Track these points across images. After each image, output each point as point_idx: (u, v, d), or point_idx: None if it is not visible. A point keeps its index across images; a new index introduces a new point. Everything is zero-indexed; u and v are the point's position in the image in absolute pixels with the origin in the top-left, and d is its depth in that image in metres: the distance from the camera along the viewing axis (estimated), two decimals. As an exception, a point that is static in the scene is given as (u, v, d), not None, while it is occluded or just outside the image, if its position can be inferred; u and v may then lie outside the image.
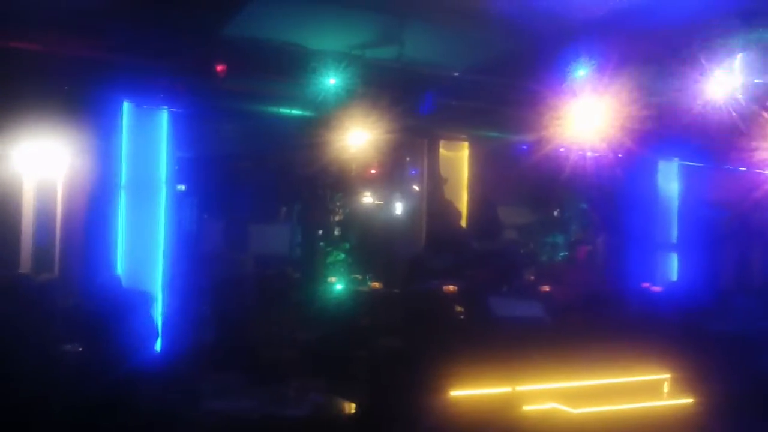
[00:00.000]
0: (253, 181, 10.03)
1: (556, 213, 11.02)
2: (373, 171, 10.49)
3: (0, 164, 7.95)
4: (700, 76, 7.90)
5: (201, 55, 7.45)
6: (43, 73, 7.08)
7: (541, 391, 7.17)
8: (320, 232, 9.33)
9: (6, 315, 6.30)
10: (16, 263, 8.16)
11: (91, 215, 7.81)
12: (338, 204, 9.24)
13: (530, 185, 10.57)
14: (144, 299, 7.10)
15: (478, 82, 8.94)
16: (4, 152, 7.90)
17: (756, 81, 7.63)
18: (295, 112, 8.49)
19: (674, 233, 10.95)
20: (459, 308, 8.20)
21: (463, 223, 10.68)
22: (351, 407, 6.63)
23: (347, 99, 8.11)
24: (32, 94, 7.05)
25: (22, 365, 5.81)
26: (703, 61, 7.78)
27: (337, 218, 9.26)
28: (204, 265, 8.98)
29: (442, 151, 10.68)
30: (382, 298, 9.09)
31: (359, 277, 9.53)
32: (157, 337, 7.21)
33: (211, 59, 7.42)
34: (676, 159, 10.89)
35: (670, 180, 10.94)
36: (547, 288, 9.36)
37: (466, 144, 10.71)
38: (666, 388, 7.84)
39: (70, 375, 6.15)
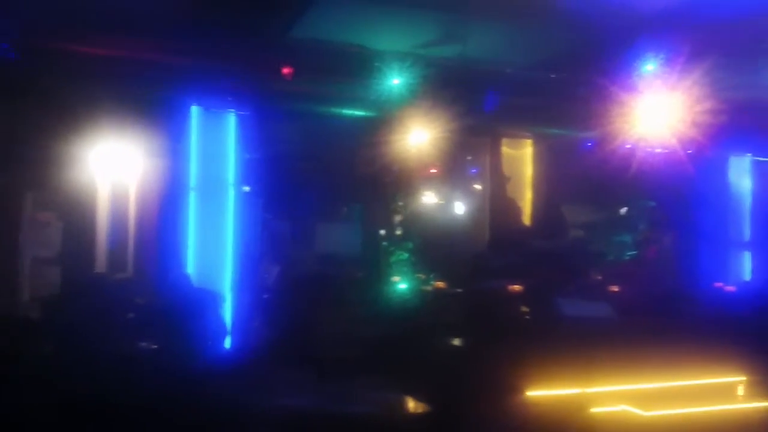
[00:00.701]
0: (318, 182, 10.12)
1: (623, 211, 10.78)
2: (435, 170, 10.47)
3: (75, 168, 8.23)
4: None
5: (267, 58, 7.59)
6: (114, 77, 7.30)
7: (611, 392, 7.04)
8: (384, 231, 9.36)
9: (83, 313, 6.54)
10: (92, 263, 8.45)
11: (163, 216, 8.04)
12: (401, 203, 9.25)
13: (596, 183, 10.37)
14: (213, 298, 7.26)
15: (542, 78, 8.85)
16: (79, 156, 8.17)
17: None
18: (359, 112, 8.57)
19: (747, 231, 10.61)
20: (524, 308, 8.11)
21: (527, 221, 10.58)
22: (414, 406, 6.64)
23: (410, 98, 8.14)
24: (104, 98, 7.28)
25: (100, 361, 6.01)
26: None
27: (400, 218, 9.27)
28: (270, 265, 9.13)
29: (504, 149, 10.61)
30: (446, 297, 9.07)
31: (423, 276, 9.53)
32: (226, 334, 7.38)
33: (277, 62, 7.54)
34: (749, 154, 10.56)
35: (742, 176, 10.61)
36: (615, 288, 9.18)
37: (529, 141, 10.60)
38: (740, 390, 7.61)
39: (144, 370, 6.34)
